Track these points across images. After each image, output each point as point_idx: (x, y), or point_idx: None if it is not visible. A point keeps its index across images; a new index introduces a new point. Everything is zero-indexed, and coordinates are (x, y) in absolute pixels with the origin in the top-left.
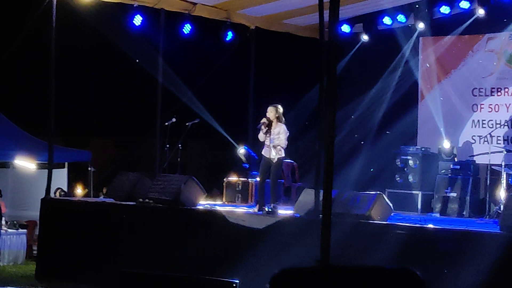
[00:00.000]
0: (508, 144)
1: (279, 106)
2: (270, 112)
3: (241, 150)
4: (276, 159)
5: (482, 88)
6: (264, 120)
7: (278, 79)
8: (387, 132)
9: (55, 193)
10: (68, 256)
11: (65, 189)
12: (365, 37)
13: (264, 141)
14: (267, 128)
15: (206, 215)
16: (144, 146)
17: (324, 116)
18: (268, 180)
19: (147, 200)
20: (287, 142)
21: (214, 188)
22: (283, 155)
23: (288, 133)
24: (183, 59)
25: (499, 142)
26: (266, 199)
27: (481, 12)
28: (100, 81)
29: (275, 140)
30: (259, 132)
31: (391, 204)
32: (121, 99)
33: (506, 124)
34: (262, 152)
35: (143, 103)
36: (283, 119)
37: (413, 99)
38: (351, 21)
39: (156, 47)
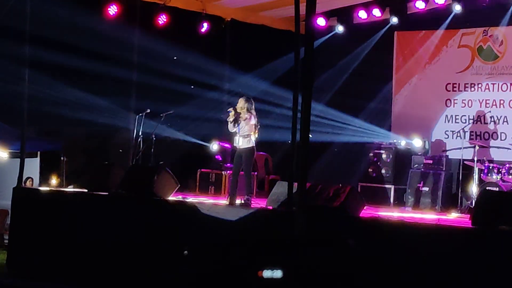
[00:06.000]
0: (480, 139)
1: (247, 97)
2: (239, 104)
3: (214, 146)
4: (246, 149)
5: (456, 83)
6: (230, 109)
7: (253, 71)
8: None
9: (25, 182)
10: (40, 245)
11: (37, 178)
12: (340, 28)
13: (234, 132)
14: (234, 118)
15: (179, 207)
16: (118, 137)
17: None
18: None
19: (120, 190)
20: (255, 129)
21: (189, 180)
22: (252, 144)
23: (255, 121)
24: (157, 50)
25: (472, 137)
26: (240, 191)
27: (457, 8)
28: (74, 70)
29: (242, 130)
30: (228, 124)
31: (363, 198)
32: (95, 89)
33: (479, 119)
34: (234, 143)
35: (117, 93)
36: (253, 109)
37: (387, 93)
38: (326, 15)
39: (131, 37)
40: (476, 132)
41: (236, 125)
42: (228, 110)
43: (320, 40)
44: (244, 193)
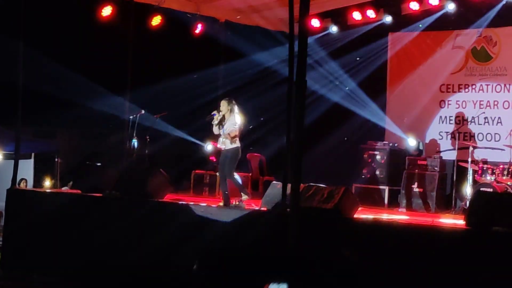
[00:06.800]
0: (474, 140)
1: (229, 99)
2: (222, 106)
3: (209, 147)
4: (230, 149)
5: (450, 84)
6: (214, 112)
7: (246, 72)
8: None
9: (19, 184)
10: (34, 246)
11: (32, 179)
12: (334, 29)
13: (218, 134)
14: (219, 121)
15: (173, 208)
16: (112, 138)
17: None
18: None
19: (114, 191)
20: (237, 131)
21: (183, 181)
22: (236, 145)
23: (238, 123)
24: (152, 51)
25: (466, 138)
26: (235, 192)
27: (451, 7)
28: (68, 72)
29: (226, 131)
30: (212, 126)
31: (357, 199)
32: (89, 90)
33: (473, 120)
34: (218, 145)
35: (112, 95)
36: (236, 110)
37: (381, 94)
38: (320, 16)
39: (125, 39)
40: (470, 133)
41: (221, 127)
42: (212, 113)
43: (314, 39)
44: (239, 194)
